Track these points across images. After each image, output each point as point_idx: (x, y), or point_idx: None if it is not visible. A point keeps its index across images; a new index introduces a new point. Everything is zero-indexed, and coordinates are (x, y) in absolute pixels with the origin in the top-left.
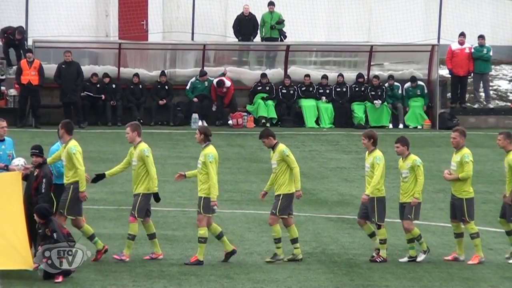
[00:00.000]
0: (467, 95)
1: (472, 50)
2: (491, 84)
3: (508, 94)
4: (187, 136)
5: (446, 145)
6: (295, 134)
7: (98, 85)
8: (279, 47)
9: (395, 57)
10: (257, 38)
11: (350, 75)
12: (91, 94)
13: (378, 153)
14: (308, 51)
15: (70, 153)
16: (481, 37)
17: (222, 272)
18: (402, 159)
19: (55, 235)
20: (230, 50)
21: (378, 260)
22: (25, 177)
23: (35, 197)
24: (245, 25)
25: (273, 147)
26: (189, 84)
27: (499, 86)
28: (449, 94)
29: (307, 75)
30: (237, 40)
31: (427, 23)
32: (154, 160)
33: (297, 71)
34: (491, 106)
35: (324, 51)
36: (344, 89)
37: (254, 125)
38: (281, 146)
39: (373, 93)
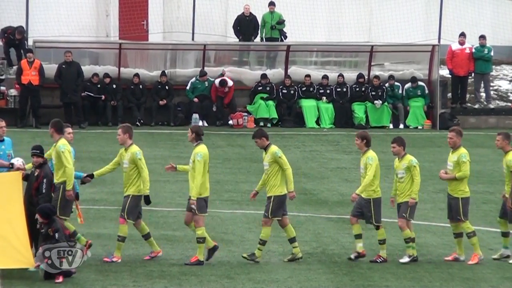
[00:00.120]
0: (467, 95)
1: (473, 50)
2: (491, 84)
3: (509, 94)
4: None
5: (446, 145)
6: (296, 134)
7: (99, 85)
8: (279, 47)
9: (396, 57)
10: (258, 38)
11: (350, 75)
12: (92, 94)
13: (371, 153)
14: (309, 51)
15: (58, 151)
16: (482, 37)
17: (222, 272)
18: (398, 159)
19: (56, 235)
20: (231, 50)
21: (378, 261)
22: (26, 177)
23: (36, 197)
24: (245, 25)
25: (265, 148)
26: (189, 85)
27: (500, 86)
28: (449, 94)
29: (308, 75)
30: (237, 40)
31: (428, 23)
32: (154, 160)
33: (297, 71)
34: (491, 106)
35: (324, 51)
36: (345, 89)
37: (255, 125)
38: (274, 148)
39: (373, 93)
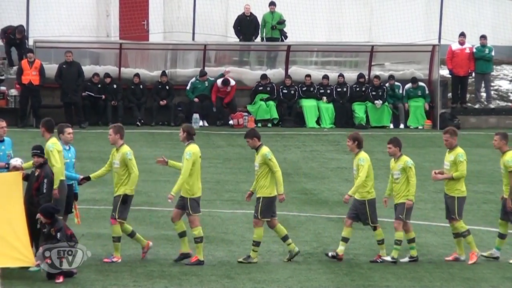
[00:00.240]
0: (468, 95)
1: (474, 50)
2: (492, 84)
3: (509, 94)
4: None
5: None
6: (296, 134)
7: (99, 85)
8: (280, 47)
9: (396, 57)
10: (258, 38)
11: (351, 75)
12: (92, 94)
13: (362, 154)
14: (309, 51)
15: (47, 150)
16: (483, 37)
17: (223, 272)
18: (394, 160)
19: (58, 234)
20: (231, 50)
21: (378, 261)
22: (26, 177)
23: (36, 197)
24: (246, 25)
25: (256, 149)
26: (189, 85)
27: (500, 86)
28: (449, 94)
29: (308, 75)
30: (238, 40)
31: (428, 23)
32: (155, 160)
33: (298, 71)
34: (492, 106)
35: (325, 51)
36: (345, 89)
37: (255, 125)
38: (264, 149)
39: (374, 93)
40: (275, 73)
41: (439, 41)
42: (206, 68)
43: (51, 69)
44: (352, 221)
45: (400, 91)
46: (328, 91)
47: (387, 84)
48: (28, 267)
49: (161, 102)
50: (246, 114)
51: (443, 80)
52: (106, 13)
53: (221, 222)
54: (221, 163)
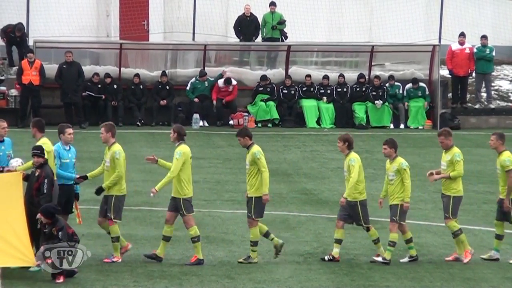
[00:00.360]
0: (468, 95)
1: (475, 50)
2: (492, 84)
3: (509, 94)
4: (188, 136)
5: None
6: (296, 134)
7: (99, 85)
8: (280, 47)
9: (396, 57)
10: (258, 39)
11: (351, 75)
12: (93, 94)
13: (353, 155)
14: (309, 51)
15: None
16: (484, 37)
17: (223, 272)
18: (389, 161)
19: (60, 233)
20: (231, 50)
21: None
22: (26, 178)
23: (37, 198)
24: (246, 26)
25: (248, 148)
26: (189, 85)
27: (500, 86)
28: (450, 95)
29: (308, 75)
30: (238, 40)
31: (428, 23)
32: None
33: (298, 71)
34: (492, 106)
35: (325, 51)
36: (345, 89)
37: (255, 125)
38: (255, 148)
39: (374, 93)
40: (275, 73)
41: (440, 41)
42: (206, 68)
43: (51, 69)
44: (344, 223)
45: (400, 91)
46: (328, 91)
47: (387, 84)
48: (29, 267)
49: (161, 101)
50: (246, 114)
51: (443, 80)
52: (106, 13)
53: (222, 222)
54: (221, 163)
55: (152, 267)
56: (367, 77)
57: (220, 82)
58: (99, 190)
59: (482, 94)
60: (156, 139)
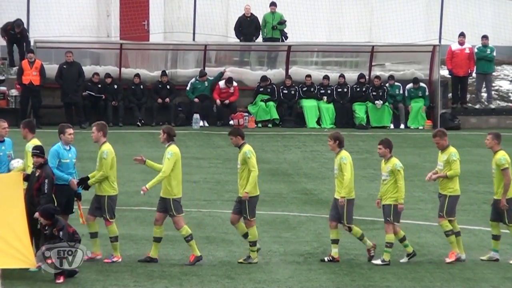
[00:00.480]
0: (468, 96)
1: (476, 50)
2: (492, 84)
3: (510, 94)
4: (188, 137)
5: None
6: (296, 135)
7: (100, 85)
8: (280, 48)
9: (397, 57)
10: (259, 39)
11: (351, 75)
12: (93, 93)
13: (344, 153)
14: (310, 52)
15: (26, 151)
16: (485, 37)
17: (223, 272)
18: (384, 161)
19: (61, 233)
20: (231, 50)
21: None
22: (26, 178)
23: (37, 198)
24: (246, 26)
25: (239, 147)
26: (189, 85)
27: (501, 86)
28: (450, 95)
29: (309, 76)
30: (238, 40)
31: (429, 23)
32: (155, 161)
33: (298, 71)
34: (492, 106)
35: (325, 51)
36: (345, 90)
37: (256, 125)
38: (246, 148)
39: (374, 93)
40: (276, 73)
41: (440, 41)
42: (206, 69)
43: (51, 69)
44: (337, 223)
45: (400, 92)
46: (329, 91)
47: (387, 84)
48: (28, 268)
49: (160, 100)
50: (246, 114)
51: (443, 80)
52: (106, 13)
53: (222, 222)
54: (222, 163)
55: (152, 267)
56: (367, 77)
57: (222, 83)
58: (83, 181)
59: (483, 94)
60: (156, 139)
